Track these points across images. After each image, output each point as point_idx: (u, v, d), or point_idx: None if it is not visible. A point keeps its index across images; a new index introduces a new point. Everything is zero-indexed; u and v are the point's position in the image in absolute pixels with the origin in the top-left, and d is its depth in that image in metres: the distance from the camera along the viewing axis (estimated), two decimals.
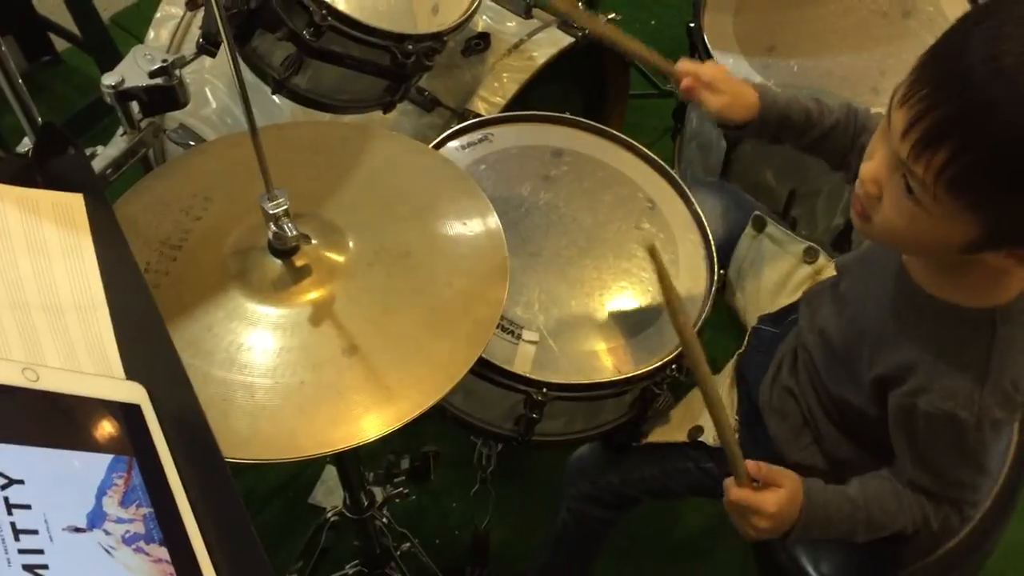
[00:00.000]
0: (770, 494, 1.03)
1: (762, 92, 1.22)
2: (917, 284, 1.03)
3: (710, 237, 1.36)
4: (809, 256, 1.43)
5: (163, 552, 0.68)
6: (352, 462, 1.32)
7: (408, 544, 1.63)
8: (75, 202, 0.89)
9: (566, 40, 1.68)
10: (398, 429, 0.87)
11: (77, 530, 0.65)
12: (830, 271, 1.41)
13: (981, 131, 0.81)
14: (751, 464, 1.03)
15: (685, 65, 1.24)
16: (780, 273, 1.45)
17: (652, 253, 1.01)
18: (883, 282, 1.08)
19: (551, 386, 1.20)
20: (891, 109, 0.89)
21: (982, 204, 0.84)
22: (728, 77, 1.23)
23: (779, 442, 1.26)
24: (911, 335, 1.02)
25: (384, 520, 1.48)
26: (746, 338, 1.43)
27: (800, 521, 1.05)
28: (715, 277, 1.32)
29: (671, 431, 1.35)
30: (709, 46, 1.68)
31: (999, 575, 1.82)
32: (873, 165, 0.93)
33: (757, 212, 1.47)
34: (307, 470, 1.90)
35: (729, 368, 1.39)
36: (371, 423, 0.87)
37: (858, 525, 1.06)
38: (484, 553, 1.81)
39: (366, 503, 1.39)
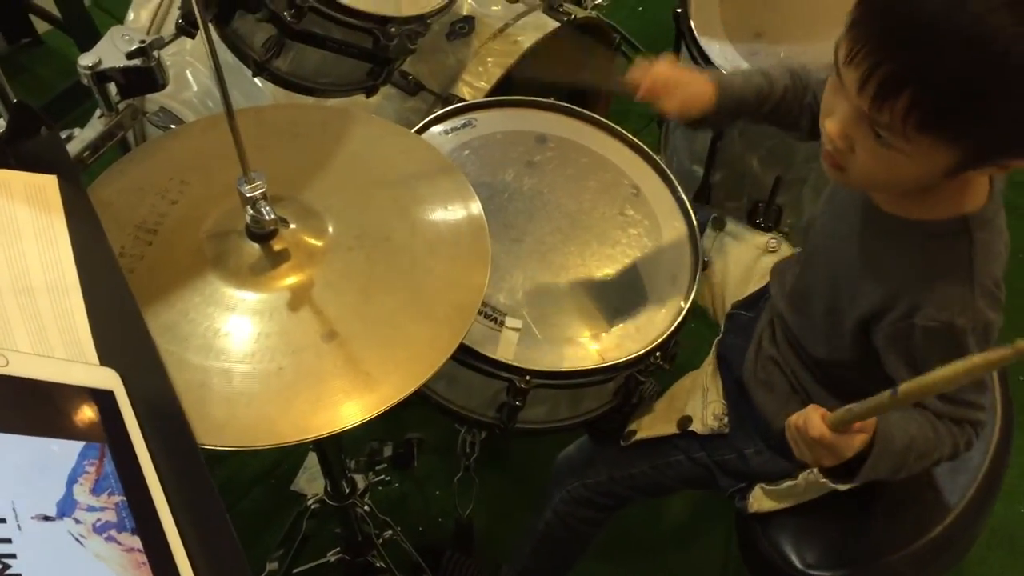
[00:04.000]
0: (855, 440, 0.96)
1: (716, 82, 1.20)
2: (886, 212, 1.04)
3: (694, 223, 1.36)
4: (772, 246, 1.46)
5: (135, 541, 0.67)
6: (333, 449, 1.31)
7: (390, 532, 1.62)
8: (49, 184, 0.88)
9: (551, 24, 1.66)
10: (380, 416, 0.86)
11: (46, 519, 0.64)
12: (785, 252, 1.45)
13: (933, 71, 0.83)
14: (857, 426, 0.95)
15: (635, 73, 1.21)
16: (744, 263, 1.48)
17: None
18: (849, 221, 1.09)
19: (534, 373, 1.19)
20: (839, 66, 0.90)
21: (957, 134, 0.86)
22: (679, 74, 1.19)
23: (766, 413, 1.27)
24: (890, 262, 1.04)
25: (366, 508, 1.47)
26: (722, 324, 1.44)
27: (871, 456, 0.98)
28: (699, 263, 1.32)
29: (659, 424, 1.34)
30: (696, 32, 1.67)
31: (983, 561, 1.83)
32: (836, 121, 0.94)
33: (715, 213, 1.50)
34: (289, 457, 1.89)
35: (711, 355, 1.39)
36: (351, 410, 0.86)
37: (910, 455, 1.02)
38: (468, 540, 1.80)
39: (347, 491, 1.38)
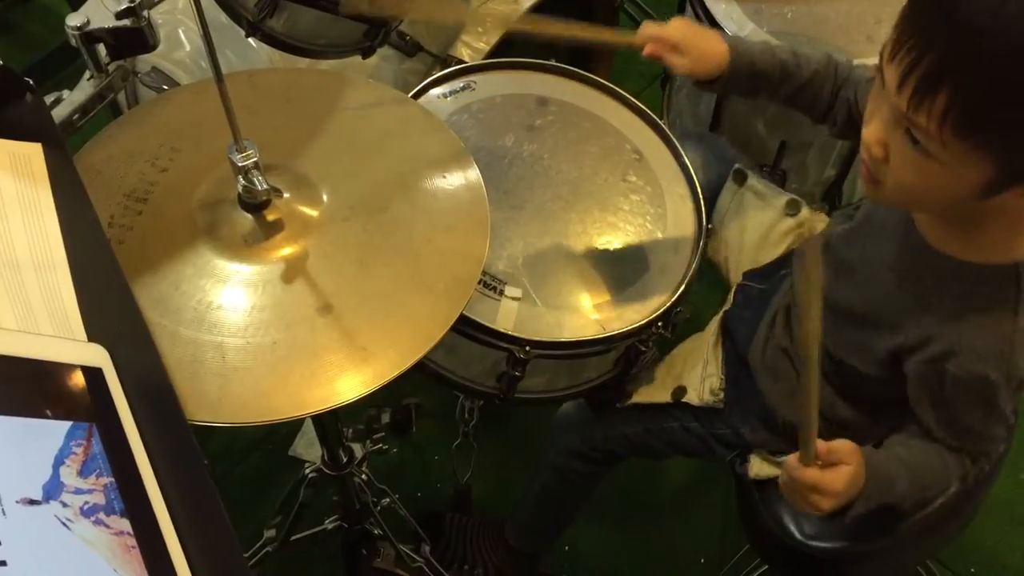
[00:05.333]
0: (838, 474, 0.94)
1: (732, 45, 1.17)
2: (931, 246, 1.00)
3: (698, 189, 1.33)
4: (791, 208, 1.41)
5: (124, 524, 0.65)
6: (330, 419, 1.29)
7: (388, 499, 1.61)
8: (34, 152, 0.85)
9: None
10: None
11: (32, 502, 0.62)
12: (814, 223, 1.41)
13: (974, 67, 0.79)
14: (821, 446, 0.93)
15: (647, 29, 1.18)
16: (762, 226, 1.43)
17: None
18: (892, 246, 1.05)
19: (534, 344, 1.17)
20: (882, 65, 0.86)
21: (992, 140, 0.82)
22: (693, 33, 1.17)
23: (771, 400, 1.25)
24: (932, 301, 1.00)
25: (363, 477, 1.46)
26: (731, 294, 1.41)
27: (863, 493, 0.98)
28: (703, 230, 1.29)
29: (655, 391, 1.33)
30: None
31: (982, 528, 1.83)
32: (874, 127, 0.91)
33: (738, 165, 1.44)
34: (287, 422, 1.87)
35: (714, 325, 1.37)
36: (347, 384, 0.84)
37: (912, 488, 1.02)
38: (466, 506, 1.80)
39: (345, 460, 1.37)
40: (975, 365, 0.95)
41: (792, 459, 0.95)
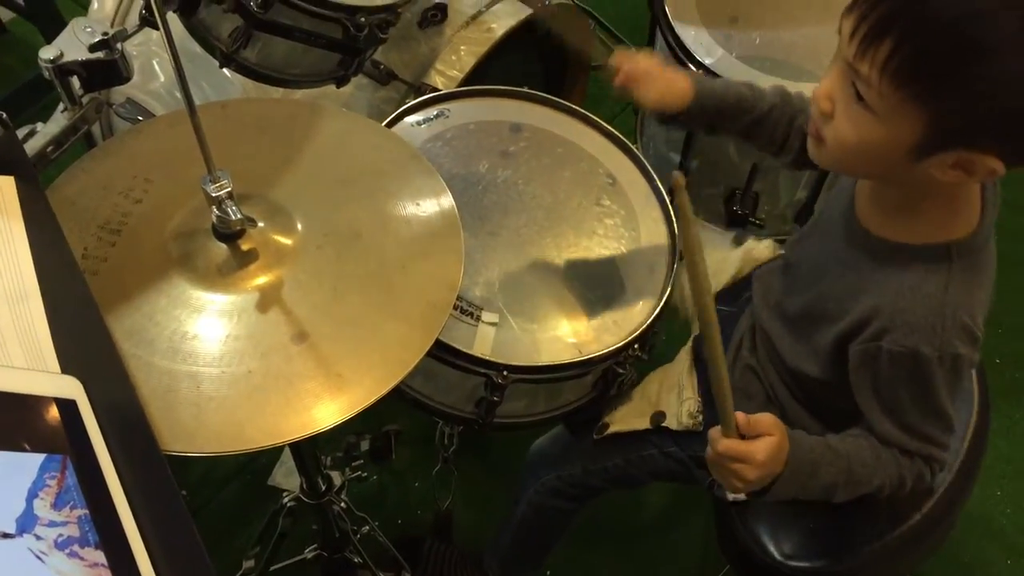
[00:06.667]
0: (760, 443, 0.98)
1: (695, 79, 1.20)
2: (867, 229, 1.04)
3: (672, 213, 1.34)
4: (737, 241, 1.46)
5: (99, 556, 0.65)
6: (307, 448, 1.29)
7: (367, 527, 1.61)
8: (5, 185, 0.85)
9: (525, 11, 1.64)
10: None
11: (5, 536, 0.62)
12: (761, 250, 1.44)
13: (920, 18, 0.83)
14: (740, 416, 0.98)
15: (619, 57, 1.21)
16: (712, 260, 1.46)
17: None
18: (837, 239, 1.09)
19: (512, 368, 1.17)
20: (842, 19, 0.90)
21: (925, 94, 0.85)
22: (660, 67, 1.20)
23: None
24: (869, 281, 1.03)
25: (342, 505, 1.46)
26: (696, 323, 1.42)
27: (786, 470, 1.01)
28: (677, 253, 1.30)
29: (633, 419, 1.33)
30: (670, 17, 1.65)
31: (959, 544, 1.84)
32: (826, 81, 0.95)
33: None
34: (265, 452, 1.86)
35: (686, 351, 1.37)
36: (323, 412, 0.85)
37: (840, 477, 1.04)
38: (447, 532, 1.79)
39: (324, 488, 1.37)
40: (908, 339, 0.97)
41: (715, 431, 0.99)
